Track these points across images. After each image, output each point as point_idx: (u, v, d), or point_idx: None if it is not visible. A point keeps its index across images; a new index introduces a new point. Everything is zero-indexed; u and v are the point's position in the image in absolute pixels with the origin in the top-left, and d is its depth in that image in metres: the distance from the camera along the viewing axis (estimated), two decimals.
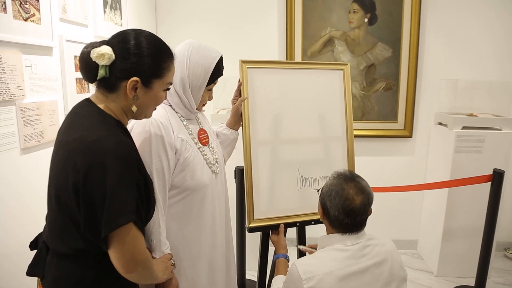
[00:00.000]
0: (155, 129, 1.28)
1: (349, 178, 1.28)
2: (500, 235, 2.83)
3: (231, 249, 1.66)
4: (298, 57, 2.86)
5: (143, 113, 1.11)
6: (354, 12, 2.81)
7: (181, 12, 2.91)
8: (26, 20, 1.43)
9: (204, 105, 1.48)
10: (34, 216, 1.48)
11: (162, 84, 1.07)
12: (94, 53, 0.97)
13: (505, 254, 3.02)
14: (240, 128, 1.67)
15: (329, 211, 1.27)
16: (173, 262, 1.30)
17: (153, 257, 1.27)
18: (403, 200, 3.05)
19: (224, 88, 2.50)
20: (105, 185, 0.90)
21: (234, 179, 2.21)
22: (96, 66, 0.99)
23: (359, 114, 2.95)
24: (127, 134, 1.09)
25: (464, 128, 2.59)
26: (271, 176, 1.70)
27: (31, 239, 1.14)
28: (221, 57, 1.41)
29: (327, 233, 1.31)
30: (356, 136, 2.90)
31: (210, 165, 1.44)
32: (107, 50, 0.98)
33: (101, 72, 0.99)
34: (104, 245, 0.95)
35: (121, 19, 2.27)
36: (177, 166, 1.35)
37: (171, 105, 1.39)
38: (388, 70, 2.88)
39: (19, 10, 1.39)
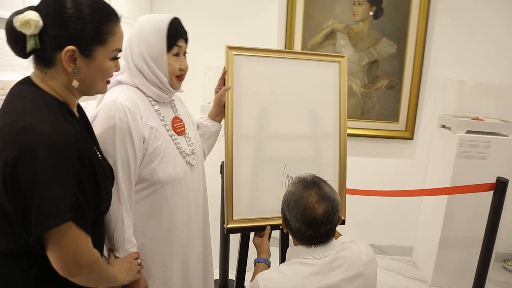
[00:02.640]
0: (121, 114, 1.16)
1: (310, 184, 1.15)
2: (499, 246, 2.68)
3: (209, 249, 1.54)
4: (297, 49, 2.72)
5: (92, 88, 0.95)
6: (359, 4, 2.66)
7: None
8: None
9: (179, 78, 1.31)
10: None
11: (107, 51, 0.92)
12: (17, 21, 0.82)
13: (504, 266, 2.88)
14: (223, 120, 1.55)
15: (290, 222, 1.15)
16: (139, 262, 1.18)
17: (116, 257, 1.16)
18: (401, 204, 2.92)
19: (218, 78, 2.38)
20: (35, 178, 0.78)
21: (220, 174, 2.10)
22: (24, 37, 0.85)
23: (359, 112, 2.81)
24: (74, 118, 0.95)
25: (468, 132, 2.45)
26: (254, 174, 1.58)
27: None
28: (176, 18, 1.26)
29: (294, 244, 1.18)
30: (354, 135, 2.80)
31: (184, 154, 1.31)
32: (31, 15, 0.83)
33: (30, 43, 0.84)
34: (39, 246, 0.83)
35: (109, 1, 2.14)
36: (145, 156, 1.23)
37: (139, 88, 1.26)
38: (391, 67, 2.73)
39: None
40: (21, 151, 0.78)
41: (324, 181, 1.18)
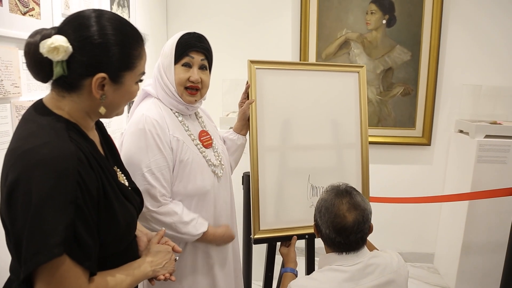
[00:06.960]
0: (149, 126, 1.21)
1: (342, 193, 1.17)
2: None
3: (238, 261, 1.57)
4: (312, 59, 2.75)
5: (114, 112, 0.91)
6: (371, 13, 2.69)
7: (193, 10, 2.83)
8: (24, 14, 1.36)
9: (190, 92, 1.29)
10: None
11: (134, 76, 0.88)
12: (45, 47, 0.76)
13: None
14: (248, 133, 1.58)
15: (321, 228, 1.18)
16: (176, 258, 1.08)
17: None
18: (420, 210, 2.91)
19: (236, 90, 2.41)
20: (29, 205, 0.71)
21: (242, 186, 2.11)
22: (49, 61, 0.78)
23: (375, 120, 2.82)
24: (86, 139, 0.87)
25: (487, 136, 2.44)
26: (279, 185, 1.60)
27: None
28: (194, 33, 1.29)
29: (326, 252, 1.21)
30: (371, 143, 2.76)
31: (211, 163, 1.34)
32: (61, 41, 0.77)
33: (58, 70, 0.78)
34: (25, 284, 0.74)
35: (129, 17, 2.20)
36: (174, 168, 1.27)
37: (161, 100, 1.30)
38: (406, 74, 2.74)
39: (16, 4, 1.32)
40: (19, 176, 0.73)
41: (357, 191, 1.20)
